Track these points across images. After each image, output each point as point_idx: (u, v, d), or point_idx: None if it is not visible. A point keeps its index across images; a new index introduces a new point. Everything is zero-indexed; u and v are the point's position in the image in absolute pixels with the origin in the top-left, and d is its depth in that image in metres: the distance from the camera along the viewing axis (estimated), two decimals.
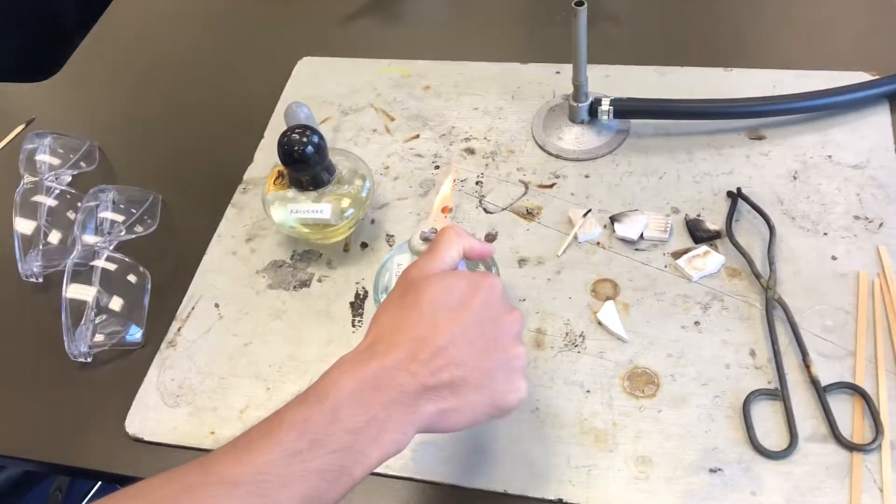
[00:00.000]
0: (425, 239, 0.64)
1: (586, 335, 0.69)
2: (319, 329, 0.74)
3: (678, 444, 0.62)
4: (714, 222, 0.74)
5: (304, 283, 0.77)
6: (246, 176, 0.88)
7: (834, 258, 0.70)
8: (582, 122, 0.83)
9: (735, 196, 0.75)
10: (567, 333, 0.70)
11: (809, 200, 0.75)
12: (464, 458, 0.64)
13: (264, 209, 0.78)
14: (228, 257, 0.81)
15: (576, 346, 0.69)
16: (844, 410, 0.62)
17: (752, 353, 0.66)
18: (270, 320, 0.75)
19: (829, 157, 0.78)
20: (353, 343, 0.71)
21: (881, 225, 0.72)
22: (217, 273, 0.79)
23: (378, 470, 0.63)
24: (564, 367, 0.68)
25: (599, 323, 0.70)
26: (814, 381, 0.63)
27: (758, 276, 0.69)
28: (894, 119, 0.79)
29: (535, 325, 0.70)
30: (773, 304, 0.67)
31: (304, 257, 0.79)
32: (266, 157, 0.89)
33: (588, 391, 0.66)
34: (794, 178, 0.77)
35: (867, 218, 0.72)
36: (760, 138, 0.81)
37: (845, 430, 0.61)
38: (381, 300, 0.68)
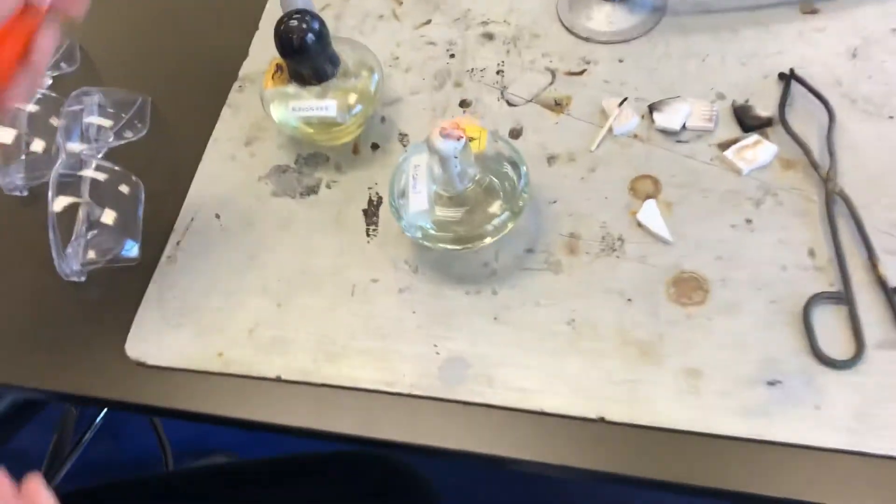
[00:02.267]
0: (446, 136, 0.56)
1: (625, 238, 0.63)
2: (331, 239, 0.67)
3: (732, 355, 0.56)
4: (765, 108, 0.67)
5: (312, 190, 0.71)
6: (241, 72, 0.79)
7: None
8: (613, 0, 0.75)
9: (788, 78, 0.67)
10: (604, 237, 0.63)
11: (872, 80, 0.67)
12: (493, 375, 0.58)
13: (263, 108, 0.70)
14: (227, 163, 0.73)
15: (614, 250, 0.62)
16: None
17: (812, 253, 0.60)
18: (277, 231, 0.69)
19: (894, 30, 0.69)
20: (368, 254, 0.65)
21: None
22: (216, 181, 0.72)
23: (404, 391, 0.58)
24: (602, 275, 0.61)
25: (640, 224, 0.63)
26: (882, 282, 0.57)
27: (816, 166, 0.62)
28: None
29: (567, 230, 0.64)
30: (833, 199, 0.60)
31: (310, 161, 0.72)
32: (263, 51, 0.81)
33: (629, 300, 0.60)
34: (854, 55, 0.68)
35: None
36: (814, 12, 0.72)
37: None
38: (398, 206, 0.62)
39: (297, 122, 0.69)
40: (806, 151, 0.63)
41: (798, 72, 0.68)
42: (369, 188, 0.70)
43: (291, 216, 0.69)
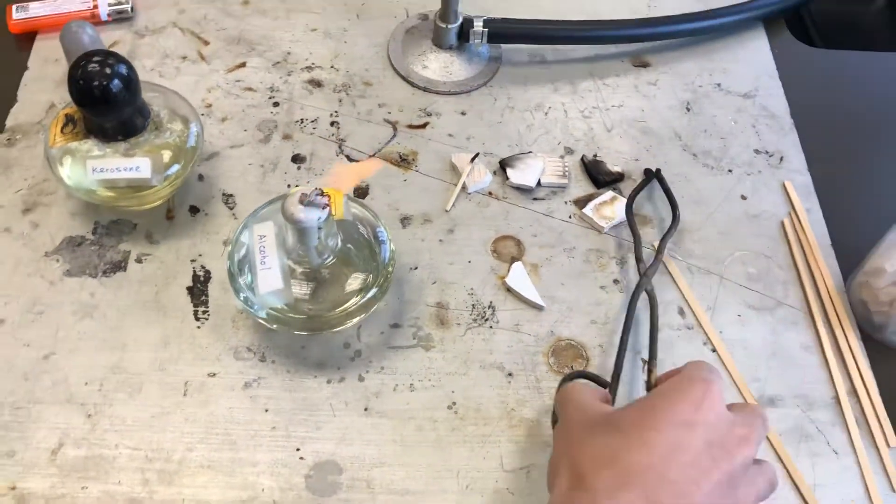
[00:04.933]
0: (309, 204, 0.48)
1: (496, 306, 0.58)
2: (149, 327, 0.55)
3: None
4: (615, 163, 0.66)
5: (118, 266, 0.58)
6: (9, 122, 0.64)
7: (743, 198, 0.65)
8: (450, 48, 0.70)
9: (652, 175, 0.65)
10: (474, 305, 0.58)
11: (707, 134, 0.68)
12: (372, 478, 0.50)
13: (50, 167, 0.57)
14: (1, 237, 0.59)
15: (486, 320, 0.57)
16: None
17: (681, 312, 0.59)
18: (77, 320, 0.55)
19: (718, 85, 0.71)
20: (200, 342, 0.55)
21: (782, 159, 0.67)
22: None
23: None
24: (478, 348, 0.56)
25: (509, 290, 0.58)
26: None
27: (639, 259, 0.60)
28: (772, 43, 0.75)
29: (433, 299, 0.58)
30: (638, 293, 0.57)
31: (113, 230, 0.60)
32: (35, 95, 0.66)
33: (510, 374, 0.55)
34: (688, 109, 0.70)
35: (767, 152, 0.67)
36: (645, 65, 0.72)
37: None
38: (241, 285, 0.52)
39: (96, 185, 0.56)
40: (637, 243, 0.60)
41: (638, 125, 0.67)
42: (192, 261, 0.59)
43: (95, 301, 0.56)
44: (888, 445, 0.53)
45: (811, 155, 0.67)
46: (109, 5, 0.70)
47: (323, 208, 0.48)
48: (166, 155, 0.58)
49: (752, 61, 0.73)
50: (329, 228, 0.50)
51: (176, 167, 0.58)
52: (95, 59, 0.53)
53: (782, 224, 0.63)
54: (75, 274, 0.57)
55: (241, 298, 0.52)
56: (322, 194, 0.48)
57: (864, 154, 0.68)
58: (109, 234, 0.59)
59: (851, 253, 0.61)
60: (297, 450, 0.51)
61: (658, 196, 0.64)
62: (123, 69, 0.54)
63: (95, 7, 0.70)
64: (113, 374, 0.53)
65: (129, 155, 0.56)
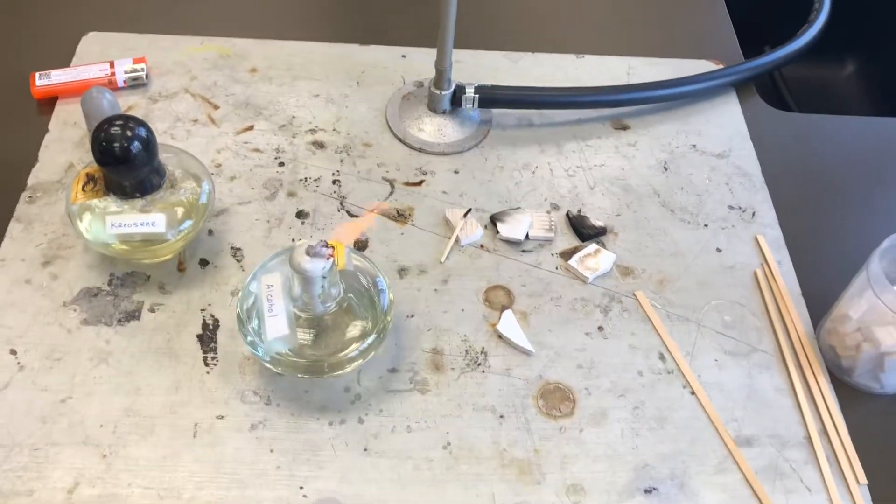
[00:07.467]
0: (315, 255, 0.52)
1: (488, 351, 0.61)
2: (161, 372, 0.59)
3: (607, 466, 0.57)
4: (598, 218, 0.70)
5: (132, 315, 0.62)
6: (31, 181, 0.69)
7: (719, 250, 0.69)
8: (444, 112, 0.75)
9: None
10: (467, 351, 0.61)
11: (684, 192, 0.73)
12: None
13: (71, 222, 0.61)
14: (21, 287, 0.62)
15: (479, 364, 0.61)
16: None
17: (662, 357, 0.62)
18: (93, 366, 0.59)
19: (694, 146, 0.76)
20: (209, 387, 0.58)
21: (754, 214, 0.72)
22: (8, 309, 0.61)
23: None
24: (471, 391, 0.59)
25: (500, 336, 0.62)
26: None
27: None
28: (743, 107, 0.80)
29: (429, 345, 0.61)
30: None
31: (127, 281, 0.63)
32: (55, 156, 0.71)
33: (501, 416, 0.58)
34: (665, 168, 0.75)
35: (741, 208, 0.72)
36: (625, 128, 0.78)
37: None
38: (249, 330, 0.56)
39: (113, 239, 0.60)
40: None
41: (618, 182, 0.72)
42: (202, 310, 0.62)
43: (110, 347, 0.60)
44: (858, 482, 0.57)
45: (781, 210, 0.72)
46: (125, 73, 0.75)
47: (327, 259, 0.52)
48: (179, 211, 0.62)
49: (725, 124, 0.79)
50: (332, 278, 0.54)
51: (188, 223, 0.62)
52: (117, 122, 0.58)
53: (755, 275, 0.68)
54: (92, 322, 0.61)
55: (248, 342, 0.56)
56: (326, 246, 0.52)
57: (830, 209, 0.73)
58: (124, 286, 0.63)
59: (820, 301, 0.65)
60: (301, 488, 0.54)
61: (647, 250, 0.68)
62: (143, 132, 0.58)
63: (112, 75, 0.75)
64: (127, 417, 0.56)
65: (146, 211, 0.60)
